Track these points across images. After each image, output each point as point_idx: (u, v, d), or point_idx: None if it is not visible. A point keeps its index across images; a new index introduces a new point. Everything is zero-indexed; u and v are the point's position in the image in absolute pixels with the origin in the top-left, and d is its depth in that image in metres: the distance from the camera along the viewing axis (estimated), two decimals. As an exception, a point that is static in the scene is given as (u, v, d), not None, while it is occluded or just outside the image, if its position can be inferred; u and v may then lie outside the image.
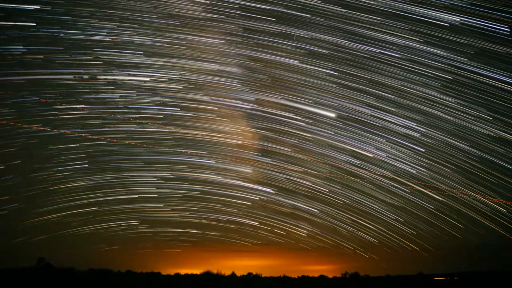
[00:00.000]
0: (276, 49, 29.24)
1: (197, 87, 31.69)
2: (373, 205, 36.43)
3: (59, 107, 30.05)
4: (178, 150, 35.43)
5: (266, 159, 36.11)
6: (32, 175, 33.86)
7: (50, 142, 32.62)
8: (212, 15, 27.63)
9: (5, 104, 29.01)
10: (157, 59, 29.57)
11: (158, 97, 31.84)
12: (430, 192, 33.82)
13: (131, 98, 31.54)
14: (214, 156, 36.05)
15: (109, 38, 27.87)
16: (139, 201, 38.05)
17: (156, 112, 32.51)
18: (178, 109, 32.75)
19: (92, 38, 27.58)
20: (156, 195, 38.20)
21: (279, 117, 33.09)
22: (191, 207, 39.27)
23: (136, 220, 39.06)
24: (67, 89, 29.73)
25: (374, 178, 34.86)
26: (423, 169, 32.89)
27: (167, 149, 35.08)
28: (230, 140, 34.95)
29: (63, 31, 26.82)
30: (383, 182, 34.95)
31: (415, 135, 31.50)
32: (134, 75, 30.11)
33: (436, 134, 30.93)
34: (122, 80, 30.16)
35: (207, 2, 27.26)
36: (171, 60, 29.75)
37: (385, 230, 37.13)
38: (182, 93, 31.80)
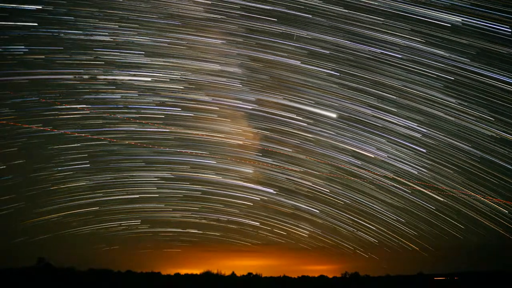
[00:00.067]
0: (277, 49, 29.29)
1: (198, 87, 31.72)
2: (373, 205, 36.55)
3: (59, 107, 30.06)
4: (179, 150, 35.47)
5: (267, 159, 36.18)
6: (32, 175, 33.88)
7: (50, 142, 32.65)
8: (213, 15, 27.64)
9: (6, 104, 29.02)
10: (158, 59, 29.58)
11: (159, 97, 31.88)
12: (430, 192, 33.93)
13: (131, 98, 31.56)
14: (215, 156, 36.09)
15: (110, 38, 27.89)
16: (139, 201, 38.13)
17: (157, 112, 32.57)
18: (179, 109, 32.80)
19: (92, 38, 27.59)
20: (157, 195, 38.25)
21: (280, 118, 33.17)
22: (192, 207, 39.35)
23: (137, 220, 39.12)
24: (67, 89, 29.76)
25: (375, 179, 34.94)
26: (424, 170, 32.99)
27: (168, 149, 35.12)
28: (231, 140, 35.01)
29: (63, 31, 26.82)
30: (384, 182, 35.05)
31: (416, 135, 31.58)
32: (135, 75, 30.12)
33: (437, 135, 31.00)
34: (123, 80, 30.16)
35: (208, 2, 27.24)
36: (172, 60, 29.76)
37: (385, 230, 37.24)
38: (183, 93, 31.82)
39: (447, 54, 27.08)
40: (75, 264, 35.01)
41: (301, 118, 32.77)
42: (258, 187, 38.00)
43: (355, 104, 31.33)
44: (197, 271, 38.60)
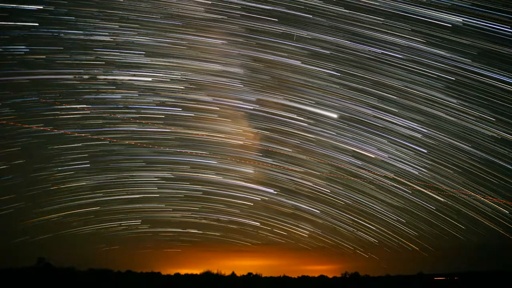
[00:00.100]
0: (278, 49, 29.30)
1: (199, 87, 31.71)
2: (374, 205, 36.58)
3: (59, 107, 30.02)
4: (180, 150, 35.44)
5: (267, 159, 36.18)
6: (33, 175, 33.85)
7: (50, 142, 32.62)
8: (214, 15, 27.62)
9: (6, 104, 29.01)
10: (158, 59, 29.55)
11: (159, 97, 31.85)
12: (431, 192, 33.95)
13: (132, 98, 31.52)
14: (216, 156, 36.07)
15: (111, 38, 27.86)
16: (140, 201, 38.12)
17: (158, 112, 32.55)
18: (180, 109, 32.79)
19: (92, 38, 27.57)
20: (157, 195, 38.24)
21: (280, 118, 33.18)
22: (193, 207, 39.33)
23: (137, 220, 39.10)
24: (67, 89, 29.74)
25: (375, 179, 34.94)
26: (424, 170, 33.00)
27: (168, 149, 35.09)
28: (231, 141, 34.99)
29: (64, 31, 26.78)
30: (384, 182, 35.06)
31: (417, 136, 31.58)
32: (135, 75, 30.09)
33: (438, 135, 31.01)
34: (123, 80, 30.13)
35: (209, 2, 27.22)
36: (172, 60, 29.73)
37: (385, 230, 37.26)
38: (184, 93, 31.80)
39: (448, 55, 27.12)
40: (75, 264, 35.01)
41: (301, 118, 32.85)
42: (259, 187, 38.06)
43: (355, 104, 31.39)
44: (197, 271, 38.60)
